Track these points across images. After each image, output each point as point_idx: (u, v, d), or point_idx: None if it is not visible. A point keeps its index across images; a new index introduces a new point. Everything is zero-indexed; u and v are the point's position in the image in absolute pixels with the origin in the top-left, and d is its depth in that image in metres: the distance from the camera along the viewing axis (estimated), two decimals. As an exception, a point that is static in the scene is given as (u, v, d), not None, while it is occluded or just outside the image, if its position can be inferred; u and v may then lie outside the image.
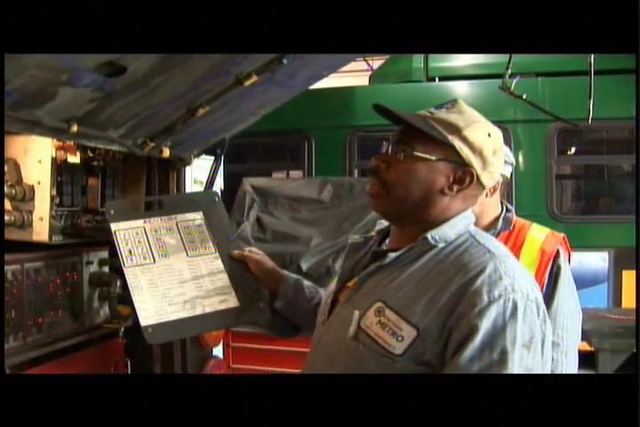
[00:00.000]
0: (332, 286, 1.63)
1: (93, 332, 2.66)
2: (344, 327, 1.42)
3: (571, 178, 6.58)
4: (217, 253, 1.84)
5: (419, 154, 1.40)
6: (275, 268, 1.88)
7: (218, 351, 3.38)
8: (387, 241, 1.58)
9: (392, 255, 1.42)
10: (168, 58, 1.82)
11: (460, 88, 6.13)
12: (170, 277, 1.77)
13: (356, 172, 6.26)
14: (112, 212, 1.85)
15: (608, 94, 5.01)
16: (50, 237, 2.29)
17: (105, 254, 2.74)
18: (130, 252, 1.78)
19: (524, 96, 4.52)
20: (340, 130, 6.26)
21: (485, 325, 1.24)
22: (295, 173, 6.71)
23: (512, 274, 1.31)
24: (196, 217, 1.89)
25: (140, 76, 1.87)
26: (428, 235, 1.39)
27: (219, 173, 2.94)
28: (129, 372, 2.71)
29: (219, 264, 1.83)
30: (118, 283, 2.67)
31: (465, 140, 1.39)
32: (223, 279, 1.80)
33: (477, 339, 1.23)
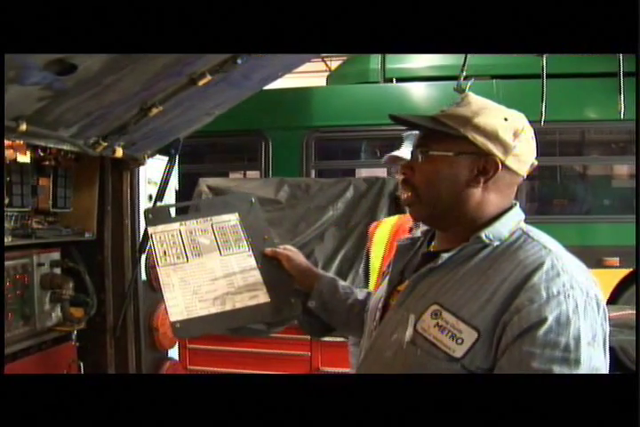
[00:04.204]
0: (382, 290, 1.59)
1: (45, 335, 2.63)
2: (399, 332, 1.38)
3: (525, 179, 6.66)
4: (250, 252, 1.86)
5: (436, 152, 1.40)
6: (308, 266, 1.84)
7: (173, 353, 3.35)
8: (434, 242, 1.54)
9: (445, 256, 1.38)
10: (120, 57, 1.80)
11: (417, 89, 6.18)
12: (201, 276, 1.80)
13: (313, 172, 6.27)
14: (150, 216, 1.90)
15: (559, 97, 5.10)
16: (-1, 239, 2.25)
17: (57, 256, 2.71)
18: (164, 253, 1.82)
19: (479, 98, 4.59)
20: (297, 130, 6.25)
21: (546, 321, 1.21)
22: (252, 174, 6.68)
23: (570, 271, 1.28)
24: (232, 218, 1.92)
25: (92, 74, 1.84)
26: (482, 234, 1.36)
27: (173, 174, 2.92)
28: (82, 375, 2.68)
29: (251, 262, 1.84)
30: (71, 285, 2.64)
31: (477, 128, 1.38)
32: (255, 276, 1.81)
33: (537, 335, 1.21)
